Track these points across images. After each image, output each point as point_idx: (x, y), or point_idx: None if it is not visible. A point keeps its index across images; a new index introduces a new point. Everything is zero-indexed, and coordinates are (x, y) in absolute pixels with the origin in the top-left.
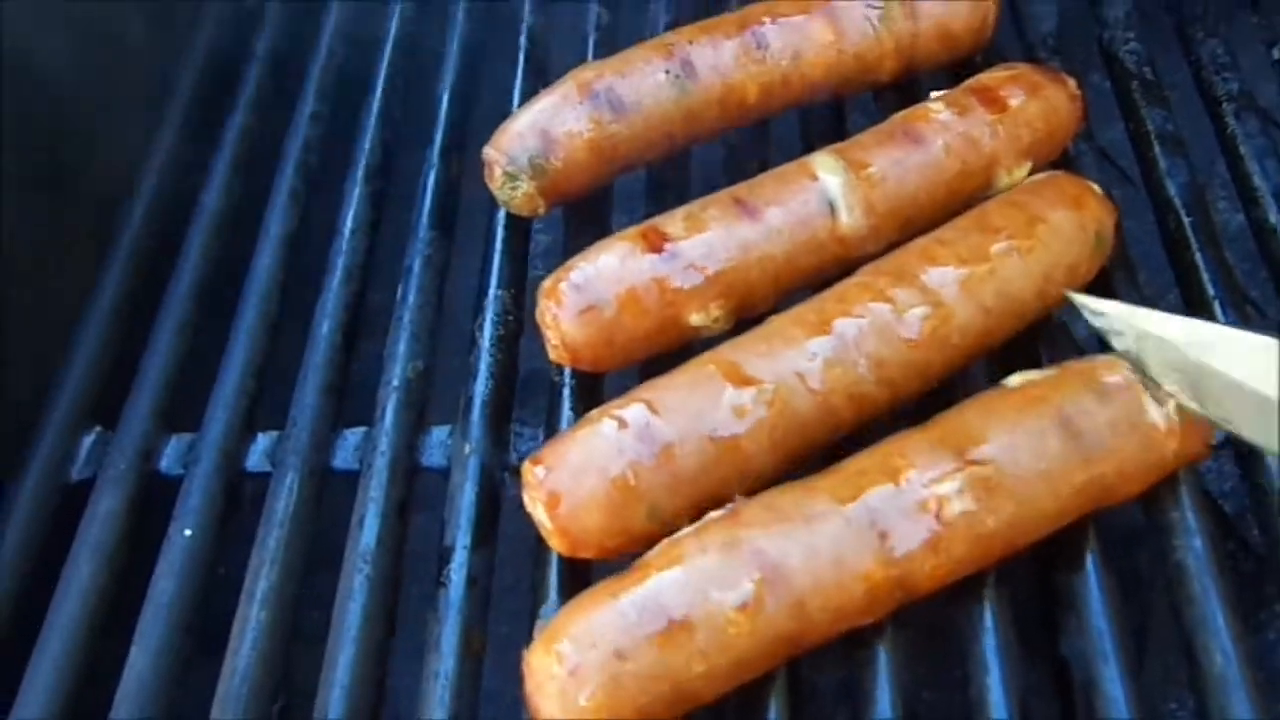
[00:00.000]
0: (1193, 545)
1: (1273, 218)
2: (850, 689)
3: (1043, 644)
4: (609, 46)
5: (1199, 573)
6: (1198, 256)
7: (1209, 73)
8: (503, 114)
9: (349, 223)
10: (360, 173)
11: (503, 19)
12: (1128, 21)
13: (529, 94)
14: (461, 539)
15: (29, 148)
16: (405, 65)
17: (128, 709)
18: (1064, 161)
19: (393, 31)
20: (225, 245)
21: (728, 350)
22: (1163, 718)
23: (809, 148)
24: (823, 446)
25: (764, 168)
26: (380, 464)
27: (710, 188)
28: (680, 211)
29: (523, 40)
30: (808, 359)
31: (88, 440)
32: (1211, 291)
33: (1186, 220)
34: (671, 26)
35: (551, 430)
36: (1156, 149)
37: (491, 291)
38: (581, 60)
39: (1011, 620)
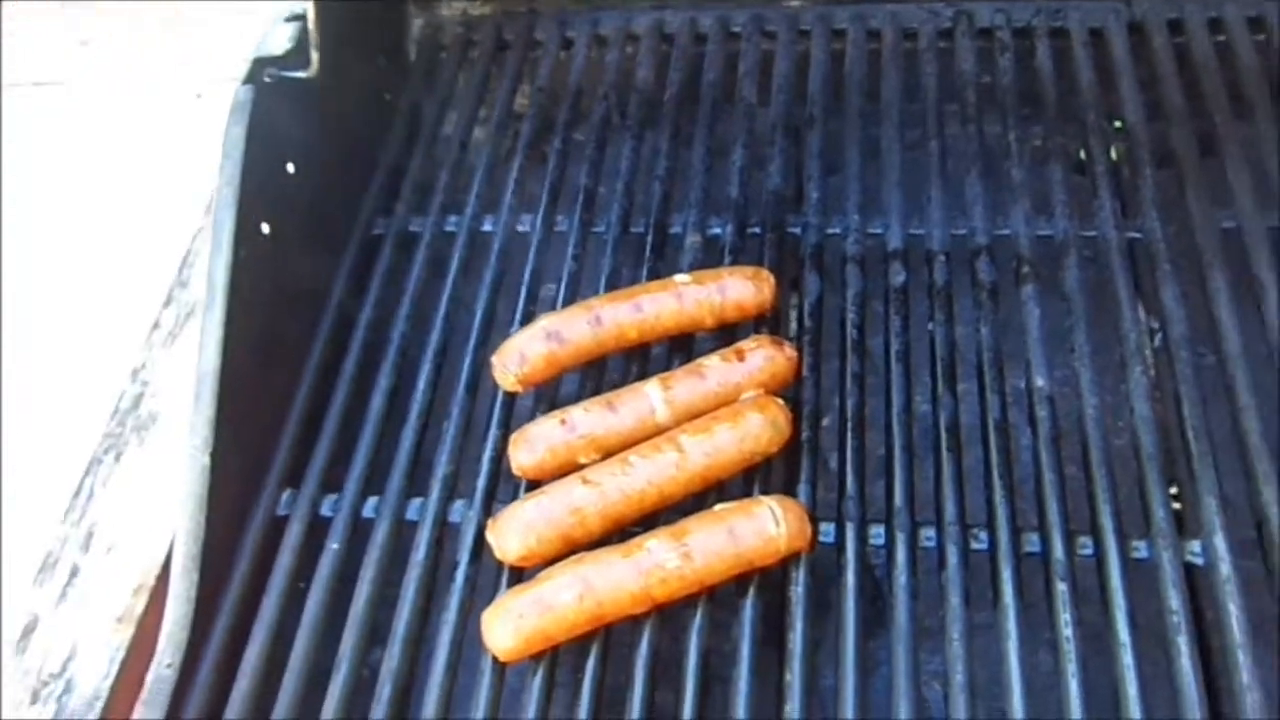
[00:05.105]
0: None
1: None
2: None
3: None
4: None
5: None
6: None
7: None
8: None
9: (421, 382)
10: (431, 356)
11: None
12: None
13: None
14: (465, 556)
15: None
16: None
17: None
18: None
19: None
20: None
21: (587, 473)
22: None
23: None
24: (630, 521)
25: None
26: (430, 519)
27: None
28: (579, 405)
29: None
30: (621, 475)
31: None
32: None
33: None
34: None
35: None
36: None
37: (492, 430)
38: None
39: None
